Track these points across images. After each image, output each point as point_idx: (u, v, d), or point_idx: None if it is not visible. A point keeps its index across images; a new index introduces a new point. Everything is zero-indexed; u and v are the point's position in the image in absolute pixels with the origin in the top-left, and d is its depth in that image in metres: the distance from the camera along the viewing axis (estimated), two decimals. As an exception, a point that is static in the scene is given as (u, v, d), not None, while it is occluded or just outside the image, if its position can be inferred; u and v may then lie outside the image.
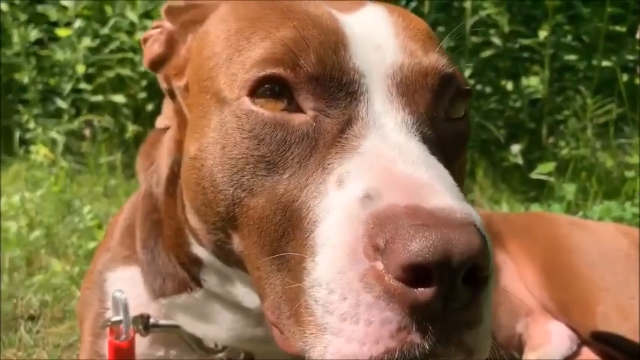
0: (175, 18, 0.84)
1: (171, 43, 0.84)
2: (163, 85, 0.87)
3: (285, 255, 0.61)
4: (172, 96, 0.86)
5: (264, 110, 0.65)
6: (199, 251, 0.84)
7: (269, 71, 0.64)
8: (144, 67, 0.88)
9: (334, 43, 0.66)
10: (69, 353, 1.46)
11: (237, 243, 0.71)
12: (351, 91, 0.64)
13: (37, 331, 1.56)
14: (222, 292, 0.86)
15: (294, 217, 0.61)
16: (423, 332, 0.52)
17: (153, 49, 0.85)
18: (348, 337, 0.53)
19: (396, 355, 0.52)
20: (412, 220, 0.51)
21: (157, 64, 0.85)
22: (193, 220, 0.78)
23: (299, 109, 0.65)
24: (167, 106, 0.93)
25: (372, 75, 0.65)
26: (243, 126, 0.66)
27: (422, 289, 0.50)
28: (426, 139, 0.64)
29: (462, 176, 0.75)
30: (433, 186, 0.56)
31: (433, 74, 0.68)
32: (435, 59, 0.69)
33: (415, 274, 0.50)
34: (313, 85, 0.64)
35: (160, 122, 0.96)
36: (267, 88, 0.65)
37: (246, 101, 0.66)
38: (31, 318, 1.63)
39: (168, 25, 0.85)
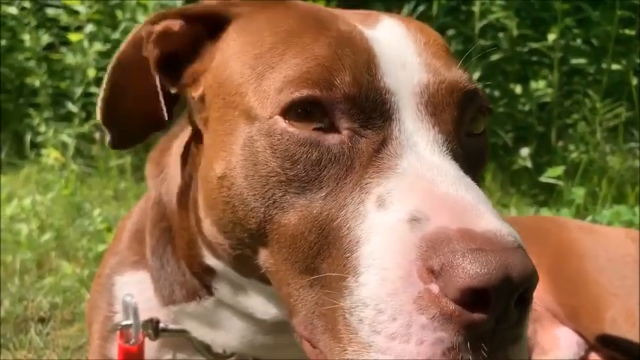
0: (191, 18, 0.79)
1: (186, 43, 0.79)
2: (171, 90, 0.80)
3: (320, 274, 0.62)
4: (171, 101, 0.81)
5: (299, 130, 0.64)
6: (213, 262, 0.84)
7: (305, 92, 0.63)
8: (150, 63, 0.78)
9: (367, 62, 0.66)
10: (78, 355, 1.47)
11: (264, 259, 0.70)
12: (383, 111, 0.64)
13: (47, 334, 1.57)
14: (234, 302, 0.86)
15: (332, 236, 0.61)
16: (474, 350, 0.53)
17: (162, 46, 0.78)
18: (398, 354, 0.54)
19: None
20: (468, 244, 0.52)
21: (165, 64, 0.79)
22: (214, 235, 0.77)
23: (333, 129, 0.64)
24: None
25: (402, 94, 0.65)
26: (276, 145, 0.65)
27: (479, 312, 0.52)
28: (456, 157, 0.65)
29: (481, 187, 0.76)
30: (478, 208, 0.57)
31: (458, 91, 0.68)
32: (459, 75, 0.69)
33: (473, 297, 0.51)
34: (349, 105, 0.64)
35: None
36: (300, 108, 0.64)
37: (280, 121, 0.64)
38: (41, 320, 1.65)
39: (177, 22, 0.78)
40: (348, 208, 0.61)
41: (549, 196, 2.68)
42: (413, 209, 0.56)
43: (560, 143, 3.09)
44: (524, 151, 2.96)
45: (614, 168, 2.78)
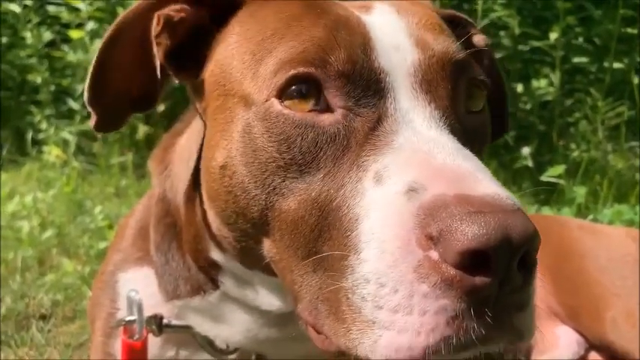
0: (199, 3, 0.77)
1: (194, 30, 0.77)
2: (174, 82, 0.80)
3: (322, 255, 0.61)
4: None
5: (294, 112, 0.64)
6: (218, 256, 0.84)
7: (300, 69, 0.64)
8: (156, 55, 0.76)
9: (362, 44, 0.67)
10: (80, 352, 1.47)
11: (267, 248, 0.70)
12: (378, 89, 0.65)
13: (49, 330, 1.58)
14: (240, 295, 0.86)
15: (332, 217, 0.61)
16: (478, 317, 0.52)
17: (172, 37, 0.75)
18: (401, 328, 0.53)
19: (453, 342, 0.52)
20: (465, 207, 0.52)
21: (175, 55, 0.77)
22: (219, 227, 0.77)
23: (328, 108, 0.65)
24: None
25: (396, 74, 0.66)
26: (272, 129, 0.65)
27: (480, 275, 0.51)
28: (454, 132, 0.65)
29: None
30: (476, 174, 0.56)
31: (447, 62, 0.69)
32: (447, 46, 0.70)
33: (473, 260, 0.51)
34: (343, 82, 0.64)
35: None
36: (295, 88, 0.65)
37: (276, 103, 0.65)
38: (43, 317, 1.65)
39: (186, 7, 0.76)
40: (346, 187, 0.61)
41: (550, 195, 2.68)
42: (410, 180, 0.56)
43: (562, 142, 3.09)
44: (526, 150, 2.96)
45: (615, 167, 2.78)
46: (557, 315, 1.40)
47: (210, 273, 0.88)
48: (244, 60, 0.71)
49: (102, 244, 2.04)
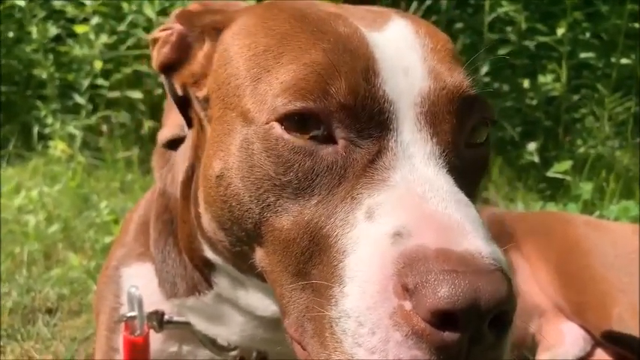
0: (190, 22, 0.81)
1: (184, 47, 0.82)
2: (178, 92, 0.84)
3: (310, 277, 0.62)
4: (184, 104, 0.84)
5: (295, 138, 0.64)
6: (212, 256, 0.84)
7: (299, 105, 0.63)
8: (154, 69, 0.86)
9: (365, 69, 0.64)
10: (86, 346, 1.48)
11: (260, 258, 0.71)
12: (381, 120, 0.64)
13: (55, 324, 1.58)
14: (233, 297, 0.87)
15: (322, 243, 0.62)
16: None
17: (163, 51, 0.82)
18: None
19: None
20: (442, 265, 0.53)
21: (169, 67, 0.83)
22: (215, 231, 0.78)
23: (329, 137, 0.64)
24: (173, 115, 0.91)
25: (401, 103, 0.64)
26: (271, 150, 0.65)
27: (449, 332, 0.52)
28: (452, 169, 0.64)
29: (479, 195, 0.75)
30: (463, 227, 0.57)
31: (458, 97, 0.67)
32: (460, 80, 0.68)
33: (443, 317, 0.52)
34: (344, 115, 0.63)
35: (165, 134, 0.94)
36: (297, 118, 0.64)
37: (277, 127, 0.64)
38: (49, 311, 1.66)
39: (178, 27, 0.82)
40: (338, 216, 0.61)
41: (556, 191, 2.67)
42: (399, 224, 0.57)
43: (568, 138, 3.07)
44: (532, 146, 2.95)
45: (622, 163, 2.77)
46: (562, 311, 1.40)
47: (205, 272, 0.88)
48: (239, 75, 0.71)
49: (107, 239, 2.05)
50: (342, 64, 0.64)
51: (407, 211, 0.58)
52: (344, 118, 0.63)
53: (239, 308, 0.88)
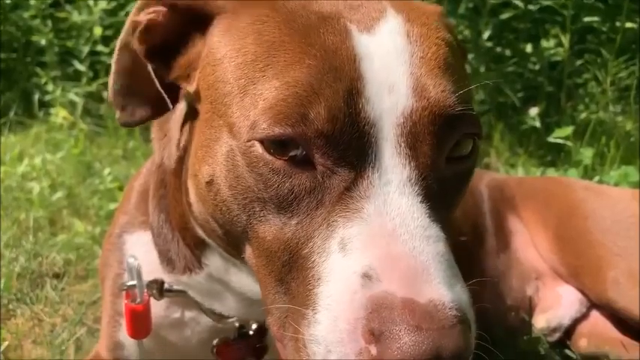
0: (174, 6, 0.77)
1: (170, 33, 0.78)
2: (166, 79, 0.81)
3: (290, 289, 0.65)
4: (170, 88, 0.82)
5: (274, 159, 0.64)
6: (206, 237, 0.86)
7: (277, 131, 0.62)
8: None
9: (348, 90, 0.63)
10: (93, 309, 1.52)
11: (249, 256, 0.73)
12: (360, 145, 0.63)
13: (62, 289, 1.62)
14: (225, 280, 0.89)
15: (300, 262, 0.64)
16: None
17: (147, 38, 0.78)
18: None
19: None
20: (406, 318, 0.55)
21: (155, 54, 0.79)
22: (207, 221, 0.80)
23: (308, 160, 0.64)
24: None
25: (383, 124, 0.63)
26: (253, 167, 0.66)
27: None
28: (428, 194, 0.64)
29: (460, 202, 0.75)
30: (429, 272, 0.59)
31: (439, 117, 0.65)
32: (445, 97, 0.65)
33: None
34: (322, 142, 0.62)
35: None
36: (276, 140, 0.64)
37: (257, 146, 0.65)
38: (56, 276, 1.69)
39: (162, 9, 0.77)
40: (315, 241, 0.63)
41: (557, 157, 2.67)
42: (367, 264, 0.59)
43: (570, 103, 3.06)
44: (533, 111, 2.93)
45: (623, 128, 2.76)
46: (559, 274, 1.42)
47: (196, 253, 0.90)
48: (227, 82, 0.70)
49: (111, 205, 2.07)
50: (324, 86, 0.62)
51: (376, 252, 0.59)
52: (322, 145, 0.63)
53: (232, 290, 0.90)
